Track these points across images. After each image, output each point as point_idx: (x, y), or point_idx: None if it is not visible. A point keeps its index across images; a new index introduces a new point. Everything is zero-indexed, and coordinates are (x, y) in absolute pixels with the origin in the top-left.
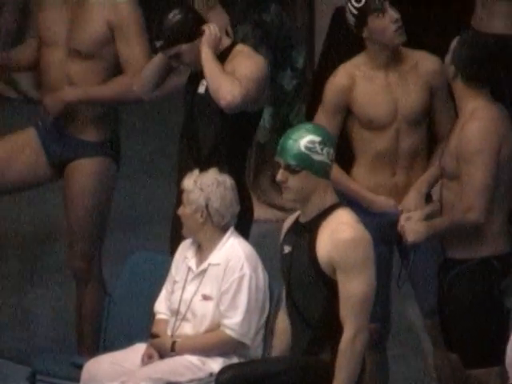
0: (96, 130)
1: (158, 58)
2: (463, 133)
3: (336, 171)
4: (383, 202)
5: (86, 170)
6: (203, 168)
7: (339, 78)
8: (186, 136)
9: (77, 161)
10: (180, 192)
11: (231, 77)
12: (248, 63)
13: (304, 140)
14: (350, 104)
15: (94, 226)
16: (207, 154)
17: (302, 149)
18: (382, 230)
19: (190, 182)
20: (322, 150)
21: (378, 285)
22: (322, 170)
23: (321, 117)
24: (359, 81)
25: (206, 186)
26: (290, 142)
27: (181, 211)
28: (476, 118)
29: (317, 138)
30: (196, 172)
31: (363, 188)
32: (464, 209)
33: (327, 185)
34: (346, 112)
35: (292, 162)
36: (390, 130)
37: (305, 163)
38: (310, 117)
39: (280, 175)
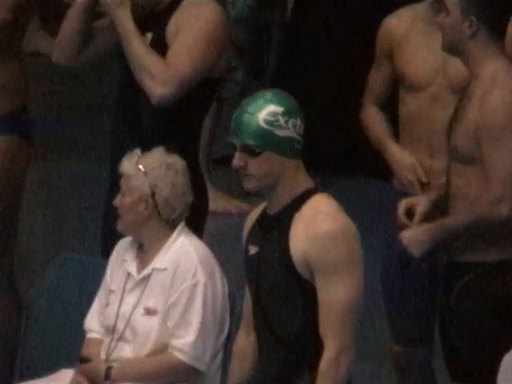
0: None
1: (76, 10)
2: (485, 104)
3: (375, 117)
4: (405, 172)
5: None
6: (145, 147)
7: (391, 18)
8: (123, 106)
9: None
10: (115, 177)
11: (160, 60)
12: (196, 23)
13: (263, 113)
14: (392, 50)
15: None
16: (151, 129)
17: (262, 124)
18: None
19: (130, 164)
20: (286, 122)
21: (420, 301)
22: (288, 148)
23: (372, 69)
24: (410, 26)
25: (151, 170)
26: (246, 116)
27: (118, 201)
28: (499, 86)
29: (279, 109)
30: (137, 152)
31: (395, 144)
32: (492, 200)
33: (298, 166)
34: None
35: (250, 142)
36: (424, 91)
37: (266, 142)
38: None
39: (237, 159)
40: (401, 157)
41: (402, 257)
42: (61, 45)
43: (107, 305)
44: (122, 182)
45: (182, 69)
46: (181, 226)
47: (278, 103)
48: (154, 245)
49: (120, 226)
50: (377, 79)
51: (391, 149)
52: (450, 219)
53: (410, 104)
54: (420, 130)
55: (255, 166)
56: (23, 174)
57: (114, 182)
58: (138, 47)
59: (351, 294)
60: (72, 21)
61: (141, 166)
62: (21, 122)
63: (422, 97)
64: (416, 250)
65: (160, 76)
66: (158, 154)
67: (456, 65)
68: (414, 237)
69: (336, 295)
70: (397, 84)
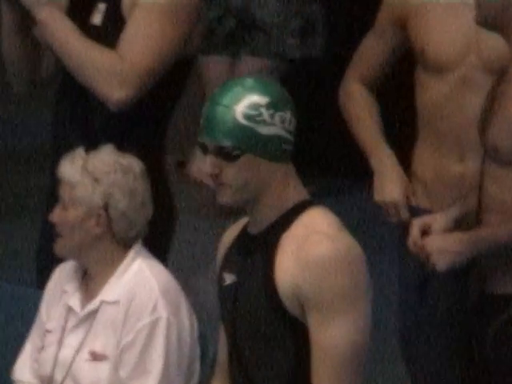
0: None
1: (8, 40)
2: None
3: (362, 99)
4: (386, 207)
5: None
6: (92, 145)
7: None
8: (66, 94)
9: None
10: (57, 185)
11: (111, 54)
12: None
13: (242, 105)
14: (406, 22)
15: None
16: (103, 121)
17: (240, 119)
18: None
19: (74, 167)
20: (271, 116)
21: (450, 340)
22: (274, 150)
23: (368, 38)
24: None
25: (103, 175)
26: (220, 110)
27: (57, 216)
28: None
29: (262, 99)
30: (81, 152)
31: (385, 154)
32: None
33: (287, 171)
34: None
35: (225, 143)
36: (452, 74)
37: (246, 142)
38: None
39: (209, 165)
40: (388, 186)
41: (422, 278)
42: (15, 76)
43: (42, 348)
44: (63, 191)
45: (142, 60)
46: (137, 247)
47: (261, 92)
48: (102, 271)
49: (59, 248)
50: (372, 49)
51: (379, 165)
52: (488, 230)
53: (433, 91)
54: (447, 125)
55: (232, 174)
56: None
57: (56, 190)
58: (76, 43)
59: (354, 337)
60: (12, 50)
61: (90, 170)
62: None
63: (449, 81)
64: (441, 261)
65: (114, 76)
66: (108, 154)
67: (492, 38)
68: (442, 245)
69: (334, 338)
70: (396, 65)
